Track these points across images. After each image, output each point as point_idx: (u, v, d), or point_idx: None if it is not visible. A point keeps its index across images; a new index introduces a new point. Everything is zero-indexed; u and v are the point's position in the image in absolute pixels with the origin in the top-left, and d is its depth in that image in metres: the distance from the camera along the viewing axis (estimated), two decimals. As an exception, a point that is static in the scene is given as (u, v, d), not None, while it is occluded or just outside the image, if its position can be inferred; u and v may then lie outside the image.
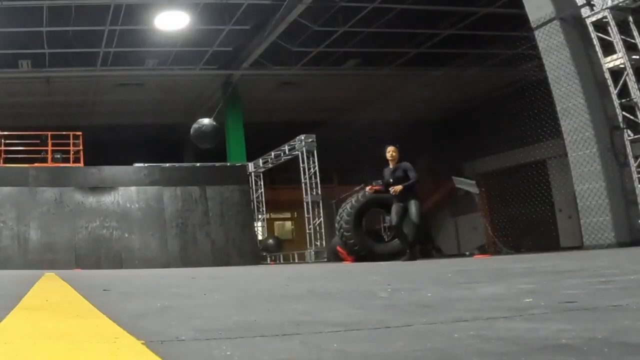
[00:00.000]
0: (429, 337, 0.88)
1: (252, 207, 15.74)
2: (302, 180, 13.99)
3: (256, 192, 16.50)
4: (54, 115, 17.63)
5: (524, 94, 10.25)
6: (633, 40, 7.13)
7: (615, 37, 7.14)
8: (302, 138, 14.02)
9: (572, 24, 7.55)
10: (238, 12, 13.20)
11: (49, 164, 13.77)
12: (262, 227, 17.41)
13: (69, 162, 14.01)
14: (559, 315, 1.06)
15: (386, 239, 10.70)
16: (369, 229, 9.38)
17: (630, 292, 1.43)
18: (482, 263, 4.78)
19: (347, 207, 9.47)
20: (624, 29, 7.16)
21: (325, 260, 13.05)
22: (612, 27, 7.14)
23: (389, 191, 7.60)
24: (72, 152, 14.04)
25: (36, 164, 13.70)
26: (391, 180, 7.65)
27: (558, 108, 7.62)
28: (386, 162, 7.86)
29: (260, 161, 16.01)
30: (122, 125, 18.96)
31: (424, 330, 0.95)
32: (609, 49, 7.25)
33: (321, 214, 13.89)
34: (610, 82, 7.23)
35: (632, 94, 7.08)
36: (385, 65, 16.51)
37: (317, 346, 0.84)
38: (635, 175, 7.10)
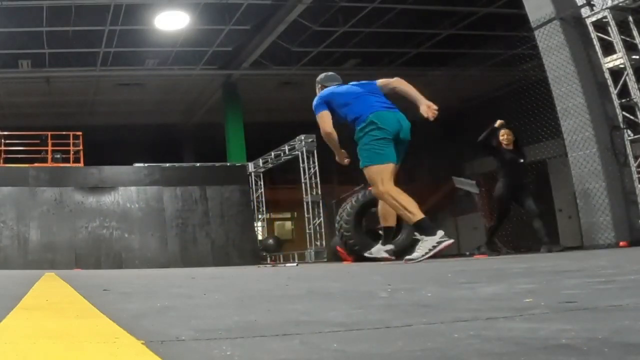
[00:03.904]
0: (429, 337, 0.88)
1: (252, 207, 15.74)
2: (302, 180, 13.98)
3: (256, 192, 16.49)
4: (54, 115, 17.64)
5: (524, 94, 10.25)
6: (633, 40, 7.12)
7: (615, 37, 7.14)
8: (302, 138, 14.01)
9: (572, 24, 7.54)
10: (238, 12, 13.20)
11: (49, 164, 13.76)
12: (262, 227, 17.41)
13: (69, 162, 14.01)
14: (559, 315, 1.06)
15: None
16: (369, 229, 9.38)
17: (630, 292, 1.43)
18: (482, 263, 4.77)
19: (347, 207, 9.46)
20: (624, 29, 7.16)
21: (325, 260, 13.05)
22: (612, 27, 7.14)
23: None
24: (72, 152, 14.04)
25: (36, 164, 13.69)
26: None
27: (558, 108, 7.62)
28: None
29: (260, 161, 16.00)
30: (122, 125, 18.97)
31: (424, 330, 0.95)
32: (609, 49, 7.24)
33: (321, 214, 13.88)
34: (610, 82, 7.23)
35: (632, 94, 7.08)
36: (385, 65, 16.51)
37: (317, 346, 0.84)
38: (635, 175, 7.10)
